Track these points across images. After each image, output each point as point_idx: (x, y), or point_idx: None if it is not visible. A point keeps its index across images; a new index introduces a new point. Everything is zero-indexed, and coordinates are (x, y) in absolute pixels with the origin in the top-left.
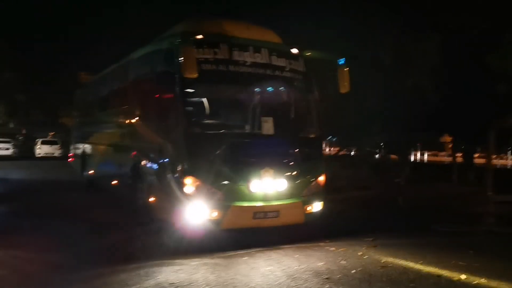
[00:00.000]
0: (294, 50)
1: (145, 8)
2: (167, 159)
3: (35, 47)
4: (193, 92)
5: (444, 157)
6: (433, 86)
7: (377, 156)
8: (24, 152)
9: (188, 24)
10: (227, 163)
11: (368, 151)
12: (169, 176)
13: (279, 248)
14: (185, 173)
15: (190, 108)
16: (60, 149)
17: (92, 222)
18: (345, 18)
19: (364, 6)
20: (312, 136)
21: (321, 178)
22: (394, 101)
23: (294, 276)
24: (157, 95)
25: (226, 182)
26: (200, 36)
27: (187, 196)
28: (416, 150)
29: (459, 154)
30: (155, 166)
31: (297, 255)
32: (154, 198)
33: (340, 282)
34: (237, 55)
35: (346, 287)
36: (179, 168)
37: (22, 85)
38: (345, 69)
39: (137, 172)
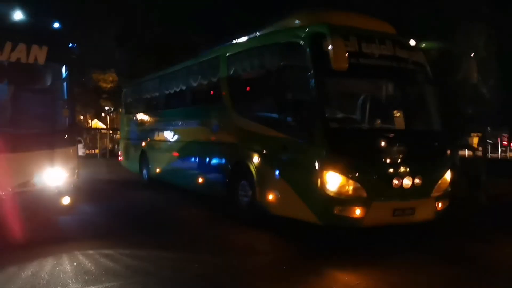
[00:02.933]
0: (413, 42)
1: None
2: (300, 156)
3: None
4: (330, 85)
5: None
6: (484, 80)
7: None
8: None
9: (304, 16)
10: (369, 159)
11: None
12: (305, 173)
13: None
14: (327, 170)
15: (328, 102)
16: (84, 147)
17: (198, 219)
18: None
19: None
20: (438, 130)
21: (448, 175)
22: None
23: None
24: (282, 90)
25: (368, 178)
26: (345, 28)
27: (330, 193)
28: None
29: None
30: (276, 163)
31: None
32: (275, 196)
33: None
34: (372, 48)
35: None
36: (319, 164)
37: None
38: (475, 60)
39: (242, 169)
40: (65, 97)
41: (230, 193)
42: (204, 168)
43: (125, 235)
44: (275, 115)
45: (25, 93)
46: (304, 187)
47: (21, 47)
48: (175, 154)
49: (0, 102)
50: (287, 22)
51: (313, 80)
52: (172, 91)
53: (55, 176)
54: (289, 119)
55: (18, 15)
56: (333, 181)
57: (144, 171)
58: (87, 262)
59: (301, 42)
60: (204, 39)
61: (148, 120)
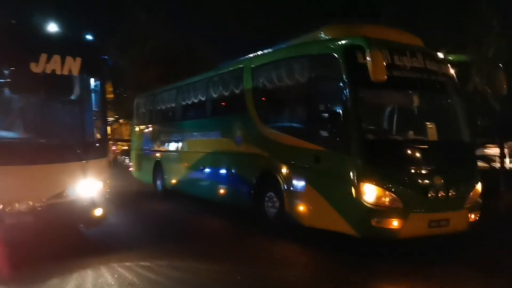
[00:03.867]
0: (441, 54)
1: None
2: (335, 167)
3: None
4: (365, 97)
5: None
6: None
7: None
8: None
9: (334, 29)
10: (405, 170)
11: None
12: (340, 184)
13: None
14: (365, 181)
15: (364, 114)
16: None
17: (224, 230)
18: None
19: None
20: (468, 141)
21: (479, 185)
22: None
23: None
24: (314, 101)
25: (404, 189)
26: (380, 41)
27: (367, 204)
28: None
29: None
30: (308, 174)
31: None
32: (306, 207)
33: None
34: (405, 60)
35: None
36: (356, 176)
37: None
38: (504, 72)
39: (269, 180)
40: (98, 108)
41: (256, 204)
42: (227, 179)
43: (157, 246)
44: (306, 126)
45: (59, 104)
46: (339, 199)
47: (56, 58)
48: (194, 165)
49: (35, 113)
50: (314, 35)
51: (349, 92)
52: (190, 102)
53: (88, 188)
54: (322, 130)
55: (52, 27)
56: (371, 192)
57: (158, 182)
58: (127, 274)
59: (337, 54)
60: (211, 51)
61: (164, 131)
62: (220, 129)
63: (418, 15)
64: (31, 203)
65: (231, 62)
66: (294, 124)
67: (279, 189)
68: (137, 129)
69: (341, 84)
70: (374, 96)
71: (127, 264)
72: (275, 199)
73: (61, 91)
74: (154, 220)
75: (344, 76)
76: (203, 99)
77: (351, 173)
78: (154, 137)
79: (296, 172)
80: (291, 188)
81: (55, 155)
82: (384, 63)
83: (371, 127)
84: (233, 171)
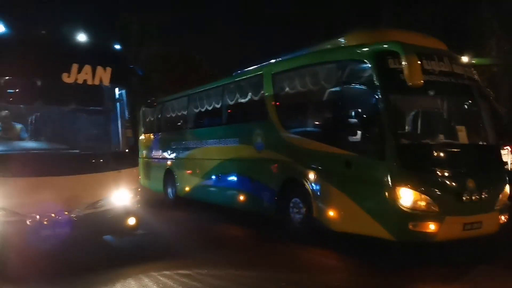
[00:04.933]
0: (466, 58)
1: None
2: (368, 172)
3: None
4: (398, 102)
5: None
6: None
7: None
8: None
9: (359, 35)
10: (439, 173)
11: None
12: (374, 189)
13: None
14: (400, 185)
15: (397, 119)
16: None
17: (251, 237)
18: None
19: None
20: (495, 144)
21: (508, 188)
22: None
23: None
24: (344, 107)
25: (439, 192)
26: (413, 46)
27: (404, 208)
28: None
29: None
30: (338, 179)
31: None
32: (337, 212)
33: None
34: (434, 65)
35: None
36: (391, 180)
37: None
38: None
39: (294, 186)
40: (128, 118)
41: (279, 210)
42: (247, 186)
43: (189, 254)
44: (335, 132)
45: (92, 114)
46: (373, 203)
47: (87, 68)
48: (210, 172)
49: (69, 123)
50: (336, 42)
51: (382, 97)
52: (204, 110)
53: (121, 197)
54: (354, 135)
55: (81, 37)
56: (407, 196)
57: (169, 190)
58: (171, 282)
59: (368, 59)
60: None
61: (175, 138)
62: (239, 136)
63: (418, 18)
64: (67, 213)
65: (248, 69)
66: (322, 130)
67: (305, 194)
68: (144, 137)
69: (373, 89)
70: (406, 100)
71: (167, 273)
72: (300, 205)
73: (93, 101)
74: (175, 228)
75: (376, 82)
76: (218, 106)
77: (386, 178)
78: (164, 145)
79: (325, 177)
80: (319, 194)
81: (91, 165)
82: (420, 68)
83: (405, 131)
84: (254, 177)
